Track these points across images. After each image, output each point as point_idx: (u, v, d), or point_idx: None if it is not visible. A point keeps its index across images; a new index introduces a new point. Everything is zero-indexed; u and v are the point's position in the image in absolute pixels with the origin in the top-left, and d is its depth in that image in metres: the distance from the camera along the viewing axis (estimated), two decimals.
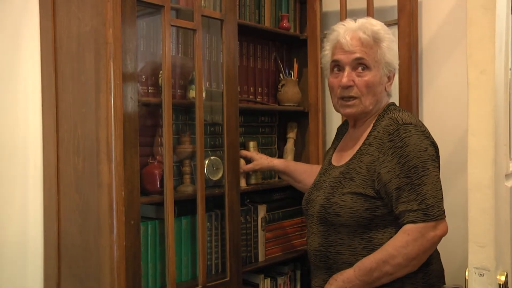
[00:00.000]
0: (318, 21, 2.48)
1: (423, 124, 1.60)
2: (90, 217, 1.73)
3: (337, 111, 1.73)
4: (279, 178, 2.56)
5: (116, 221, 1.64)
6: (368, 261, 1.53)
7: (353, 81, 1.60)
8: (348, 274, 1.55)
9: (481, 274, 1.10)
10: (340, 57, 1.63)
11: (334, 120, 2.53)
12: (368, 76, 1.59)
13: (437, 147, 1.59)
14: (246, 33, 2.33)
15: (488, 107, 1.10)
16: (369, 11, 2.29)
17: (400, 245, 1.49)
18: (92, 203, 1.71)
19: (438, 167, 1.54)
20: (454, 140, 2.29)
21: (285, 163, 2.16)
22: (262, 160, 2.13)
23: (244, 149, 2.29)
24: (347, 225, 1.57)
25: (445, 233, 1.51)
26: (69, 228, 1.82)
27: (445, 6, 2.33)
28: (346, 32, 1.62)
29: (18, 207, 1.92)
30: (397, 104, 2.20)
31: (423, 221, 1.47)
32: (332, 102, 1.74)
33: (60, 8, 1.84)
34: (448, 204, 2.29)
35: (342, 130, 1.87)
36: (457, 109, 2.28)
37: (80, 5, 1.74)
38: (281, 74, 2.54)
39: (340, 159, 1.71)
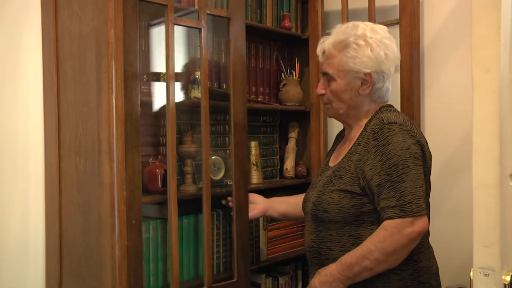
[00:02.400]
0: (319, 21, 2.47)
1: (412, 124, 1.63)
2: (91, 217, 1.72)
3: None
4: (280, 178, 2.56)
5: (117, 220, 1.63)
6: (349, 256, 1.58)
7: (325, 89, 1.75)
8: (331, 268, 1.61)
9: (486, 274, 1.10)
10: (319, 68, 1.83)
11: (336, 120, 2.52)
12: (332, 86, 1.72)
13: (424, 146, 1.61)
14: (247, 33, 2.30)
15: (493, 106, 1.09)
16: (371, 11, 2.28)
17: (378, 240, 1.53)
18: (94, 203, 1.71)
19: (422, 165, 1.57)
20: (456, 140, 2.28)
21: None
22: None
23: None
24: (335, 221, 1.63)
25: (424, 229, 1.53)
26: (71, 227, 1.81)
27: (446, 6, 2.33)
28: (319, 46, 1.77)
29: (20, 206, 1.92)
30: (399, 103, 2.21)
31: (400, 217, 1.50)
32: None
33: (61, 7, 1.84)
34: (450, 203, 2.31)
35: (341, 134, 1.92)
36: (459, 108, 2.28)
37: (82, 5, 1.74)
38: (282, 74, 2.53)
39: (335, 160, 1.77)
